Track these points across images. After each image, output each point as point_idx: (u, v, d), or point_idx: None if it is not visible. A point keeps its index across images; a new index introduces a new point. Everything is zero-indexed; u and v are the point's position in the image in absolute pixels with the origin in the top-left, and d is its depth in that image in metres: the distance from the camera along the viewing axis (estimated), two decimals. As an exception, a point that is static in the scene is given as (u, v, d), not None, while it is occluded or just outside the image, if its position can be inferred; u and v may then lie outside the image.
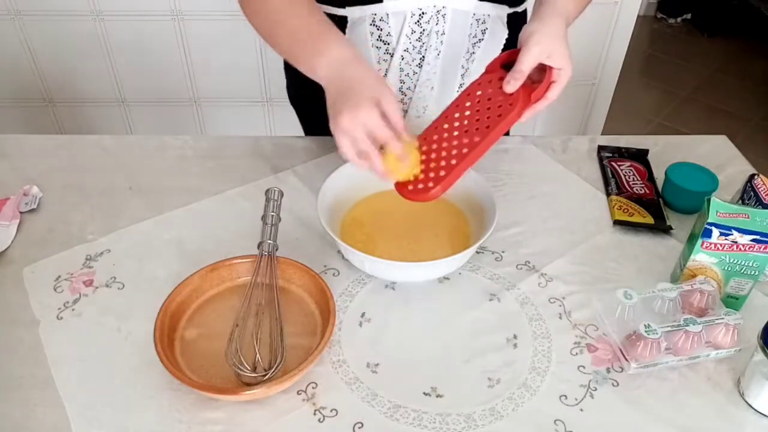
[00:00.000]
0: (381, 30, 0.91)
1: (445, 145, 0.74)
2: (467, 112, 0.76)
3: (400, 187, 0.75)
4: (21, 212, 0.89)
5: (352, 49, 0.74)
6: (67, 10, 1.72)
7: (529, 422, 0.66)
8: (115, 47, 1.80)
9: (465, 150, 0.73)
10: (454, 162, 0.72)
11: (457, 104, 0.77)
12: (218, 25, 1.76)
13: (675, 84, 2.95)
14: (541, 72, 0.76)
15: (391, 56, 0.93)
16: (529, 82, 0.75)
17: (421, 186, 0.73)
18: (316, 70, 0.74)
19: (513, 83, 0.74)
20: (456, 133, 0.75)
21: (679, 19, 3.48)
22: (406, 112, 1.00)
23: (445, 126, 0.76)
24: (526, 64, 0.74)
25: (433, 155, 0.74)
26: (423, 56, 0.94)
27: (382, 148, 0.70)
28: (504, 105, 0.74)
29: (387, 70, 0.95)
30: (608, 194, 0.96)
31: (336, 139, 0.70)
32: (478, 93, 0.77)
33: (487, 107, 0.75)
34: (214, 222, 0.89)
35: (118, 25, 1.76)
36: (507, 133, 1.16)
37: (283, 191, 0.83)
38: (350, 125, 0.68)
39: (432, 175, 0.73)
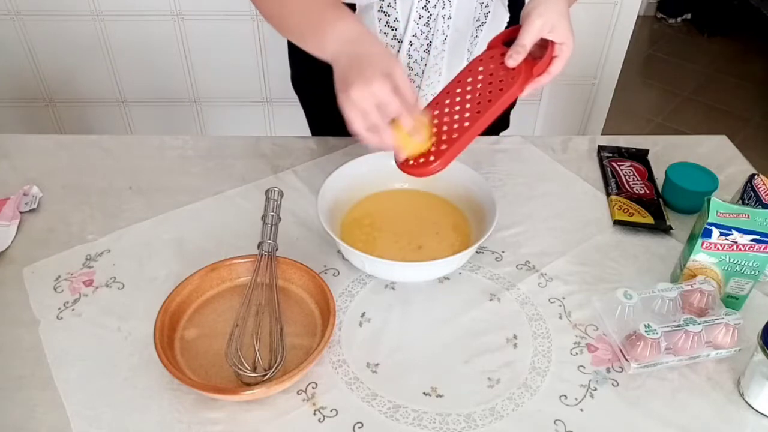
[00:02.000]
0: (389, 16, 0.91)
1: (446, 119, 0.73)
2: (468, 88, 0.75)
3: (402, 162, 0.73)
4: (21, 212, 0.89)
5: (361, 25, 0.72)
6: (67, 10, 1.72)
7: (529, 422, 0.66)
8: (115, 47, 1.80)
9: (466, 124, 0.71)
10: (455, 136, 0.71)
11: (458, 80, 0.76)
12: (218, 25, 1.76)
13: (675, 84, 2.95)
14: (543, 49, 0.75)
15: (400, 42, 0.93)
16: (530, 59, 0.75)
17: (422, 161, 0.71)
18: (325, 46, 0.71)
19: (515, 57, 0.73)
20: (457, 108, 0.73)
21: (679, 19, 3.48)
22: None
23: (447, 101, 0.75)
24: (528, 38, 0.73)
25: (434, 130, 0.73)
26: (430, 41, 0.94)
27: (392, 122, 0.68)
28: (506, 80, 0.73)
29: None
30: (608, 194, 0.96)
31: (345, 113, 0.67)
32: (480, 69, 0.76)
33: (489, 82, 0.74)
34: (214, 222, 0.89)
35: (118, 25, 1.76)
36: (507, 124, 1.17)
37: (283, 191, 0.83)
38: (361, 97, 0.65)
39: (433, 149, 0.71)
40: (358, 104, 0.66)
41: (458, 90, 0.75)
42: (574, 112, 2.01)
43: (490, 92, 0.73)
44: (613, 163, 1.01)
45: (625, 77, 2.01)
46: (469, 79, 0.75)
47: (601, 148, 1.05)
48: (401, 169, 0.73)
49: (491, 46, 0.78)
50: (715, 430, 0.66)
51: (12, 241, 0.85)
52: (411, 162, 0.72)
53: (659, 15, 3.50)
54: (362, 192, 0.90)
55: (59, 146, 1.04)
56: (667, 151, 1.05)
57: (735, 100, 2.85)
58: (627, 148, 1.05)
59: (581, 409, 0.67)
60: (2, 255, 0.83)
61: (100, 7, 1.72)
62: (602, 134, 1.76)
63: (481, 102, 0.72)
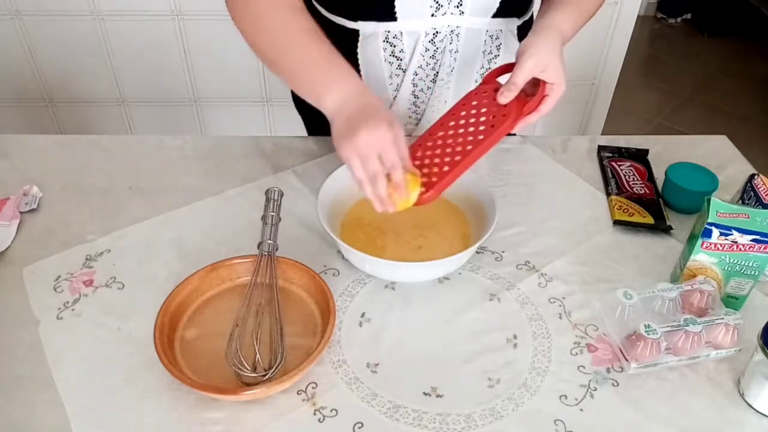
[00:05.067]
0: (394, 46, 0.91)
1: (438, 152, 0.76)
2: (462, 121, 0.77)
3: None
4: (21, 212, 0.89)
5: (361, 82, 0.76)
6: (67, 10, 1.72)
7: (529, 422, 0.66)
8: (115, 47, 1.80)
9: (458, 158, 0.74)
10: (446, 169, 0.74)
11: (452, 113, 0.79)
12: (218, 25, 1.76)
13: (675, 84, 2.96)
14: (536, 86, 0.78)
15: (404, 72, 0.93)
16: (523, 95, 0.77)
17: None
18: (325, 102, 0.75)
19: (507, 95, 0.75)
20: (450, 140, 0.76)
21: (679, 19, 3.48)
22: (418, 121, 1.01)
23: (440, 133, 0.77)
24: (520, 77, 0.75)
25: (426, 161, 0.76)
26: (437, 72, 0.94)
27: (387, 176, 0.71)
28: (497, 116, 0.76)
29: (399, 85, 0.95)
30: (608, 194, 0.96)
31: (346, 160, 0.71)
32: (474, 103, 0.78)
33: (481, 117, 0.76)
34: (214, 222, 0.89)
35: (118, 25, 1.76)
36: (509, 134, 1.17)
37: (283, 191, 0.83)
38: (366, 143, 0.69)
39: (424, 180, 0.74)
40: (362, 149, 0.69)
41: (452, 123, 0.78)
42: (574, 112, 2.01)
43: (482, 128, 0.76)
44: (613, 163, 1.01)
45: (625, 77, 2.01)
46: (463, 113, 0.78)
47: (601, 148, 1.05)
48: None
49: (486, 80, 0.80)
50: (715, 430, 0.66)
51: (12, 241, 0.85)
52: None
53: (659, 15, 3.51)
54: (362, 192, 0.89)
55: (59, 146, 1.04)
56: (667, 151, 1.05)
57: (735, 100, 2.86)
58: (627, 148, 1.05)
59: (581, 409, 0.67)
60: (2, 255, 0.83)
61: (100, 7, 1.72)
62: (602, 134, 1.76)
63: (473, 137, 0.75)
